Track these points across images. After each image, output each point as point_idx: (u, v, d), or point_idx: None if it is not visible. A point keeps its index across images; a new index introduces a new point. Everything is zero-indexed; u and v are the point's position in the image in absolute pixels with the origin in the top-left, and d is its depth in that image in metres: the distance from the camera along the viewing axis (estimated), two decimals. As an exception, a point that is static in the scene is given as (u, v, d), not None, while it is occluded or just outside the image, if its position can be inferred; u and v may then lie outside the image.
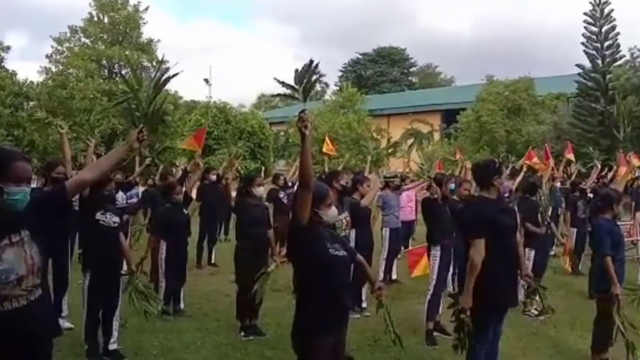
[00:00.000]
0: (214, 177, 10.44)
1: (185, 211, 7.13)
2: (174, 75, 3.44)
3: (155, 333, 6.24)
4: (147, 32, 35.26)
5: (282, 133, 37.57)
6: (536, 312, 7.12)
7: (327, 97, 45.00)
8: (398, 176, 10.13)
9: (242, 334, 6.23)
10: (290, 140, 34.60)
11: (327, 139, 12.57)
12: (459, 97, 35.40)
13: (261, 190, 6.48)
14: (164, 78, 3.37)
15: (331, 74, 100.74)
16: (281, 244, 6.48)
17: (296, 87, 3.36)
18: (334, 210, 3.57)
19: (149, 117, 3.17)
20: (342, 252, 3.57)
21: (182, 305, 7.08)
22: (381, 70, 59.57)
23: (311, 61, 3.36)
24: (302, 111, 3.20)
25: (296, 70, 3.38)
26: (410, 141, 37.79)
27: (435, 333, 6.21)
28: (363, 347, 5.97)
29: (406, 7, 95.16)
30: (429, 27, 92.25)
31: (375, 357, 5.76)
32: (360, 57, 60.99)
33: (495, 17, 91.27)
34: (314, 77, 3.45)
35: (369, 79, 58.78)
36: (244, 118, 28.23)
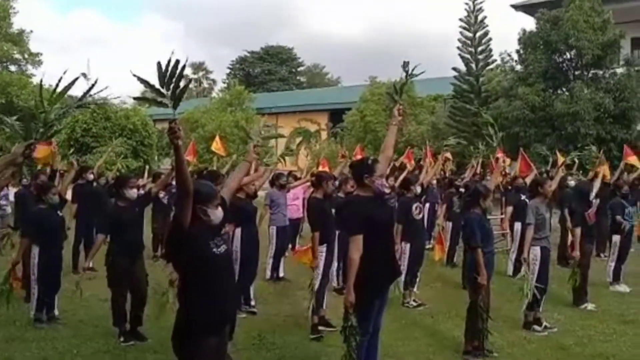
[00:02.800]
0: (90, 177, 9.94)
1: (59, 213, 6.74)
2: (74, 81, 3.19)
3: (27, 342, 5.87)
4: (19, 22, 32.90)
5: (167, 130, 36.47)
6: (415, 304, 7.47)
7: (214, 94, 44.32)
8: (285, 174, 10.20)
9: (122, 339, 6.00)
10: (174, 139, 33.63)
11: (217, 137, 12.39)
12: (345, 97, 36.20)
13: (134, 193, 6.21)
14: (63, 87, 3.10)
15: (219, 71, 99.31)
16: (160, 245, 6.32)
17: (161, 90, 3.10)
18: (220, 210, 3.53)
19: (45, 130, 2.91)
20: (225, 251, 3.54)
21: (56, 312, 6.70)
22: (269, 69, 59.63)
23: (177, 61, 3.08)
24: (172, 121, 3.10)
25: (159, 65, 3.08)
26: (298, 140, 38.19)
27: (320, 327, 6.31)
28: (249, 347, 5.96)
29: (294, 8, 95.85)
30: (316, 28, 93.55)
31: (261, 355, 5.77)
32: (248, 55, 60.68)
33: (379, 21, 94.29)
34: (183, 82, 3.17)
35: (257, 77, 58.67)
36: (125, 115, 27.06)
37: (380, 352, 4.87)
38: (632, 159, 10.11)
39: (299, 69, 64.72)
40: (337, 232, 6.78)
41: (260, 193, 8.46)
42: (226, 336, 3.72)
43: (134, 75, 3.25)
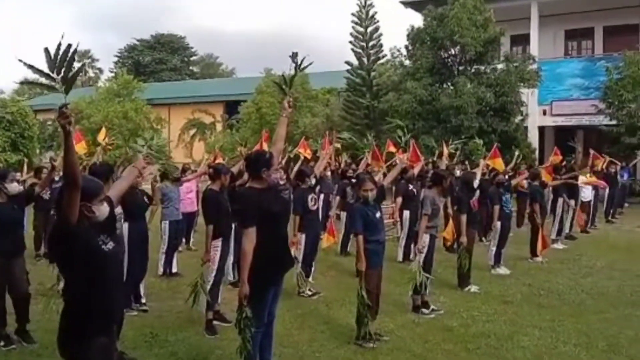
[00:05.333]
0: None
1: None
2: None
3: None
4: None
5: (49, 122, 34.45)
6: (310, 293, 7.58)
7: (101, 84, 42.29)
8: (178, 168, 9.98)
9: (2, 344, 5.62)
10: (59, 129, 31.87)
11: (103, 129, 11.85)
12: (240, 89, 35.87)
13: (15, 187, 5.80)
14: None
15: (106, 60, 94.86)
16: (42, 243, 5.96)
17: (51, 74, 2.90)
18: (106, 206, 3.37)
19: None
20: (114, 248, 3.40)
21: None
22: (160, 58, 57.83)
23: (69, 45, 2.90)
24: (64, 105, 2.90)
25: (46, 51, 2.90)
26: (192, 132, 37.41)
27: (215, 322, 6.25)
28: (140, 344, 5.78)
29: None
30: (210, 17, 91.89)
31: (153, 353, 5.62)
32: (137, 43, 58.47)
33: (274, 12, 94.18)
34: (76, 65, 2.99)
35: (147, 66, 56.69)
36: (2, 105, 25.23)
37: (275, 342, 4.91)
38: (497, 162, 10.45)
39: (191, 59, 63.31)
40: (233, 226, 6.76)
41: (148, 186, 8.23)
42: (114, 335, 3.58)
43: (20, 61, 3.02)
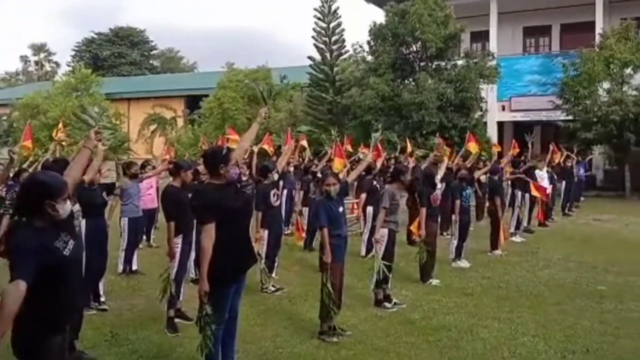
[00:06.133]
0: None
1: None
2: None
3: None
4: None
5: (4, 117, 33.48)
6: (273, 289, 7.56)
7: (57, 78, 41.26)
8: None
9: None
10: (14, 124, 31.03)
11: (60, 124, 11.53)
12: (202, 83, 35.51)
13: None
14: None
15: (63, 53, 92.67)
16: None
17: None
18: (69, 204, 3.28)
19: None
20: (75, 248, 3.31)
21: None
22: (120, 52, 56.77)
23: None
24: None
25: None
26: (153, 127, 36.87)
27: (177, 320, 6.17)
28: (100, 344, 5.68)
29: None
30: (170, 10, 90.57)
31: (113, 352, 5.52)
32: (96, 36, 57.22)
33: (236, 6, 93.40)
34: None
35: (106, 60, 55.54)
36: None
37: (237, 338, 4.87)
38: (472, 145, 11.05)
39: (152, 53, 62.33)
40: (195, 222, 6.69)
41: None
42: (67, 333, 3.51)
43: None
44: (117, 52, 56.40)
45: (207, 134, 22.79)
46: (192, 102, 35.27)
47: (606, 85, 21.00)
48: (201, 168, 6.97)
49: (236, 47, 59.42)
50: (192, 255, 7.56)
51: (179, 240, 6.23)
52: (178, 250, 6.22)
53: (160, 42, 70.51)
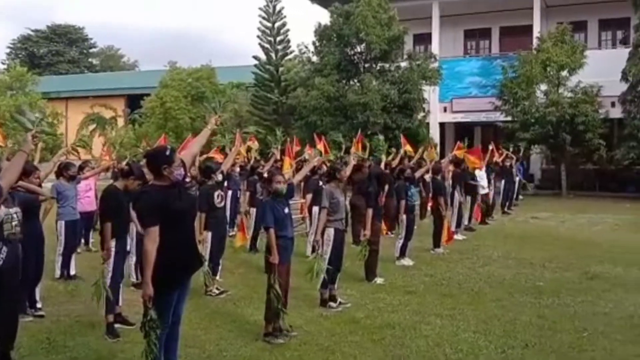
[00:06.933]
0: None
1: None
2: None
3: None
4: None
5: None
6: (217, 292, 7.45)
7: (-9, 76, 39.58)
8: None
9: None
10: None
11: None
12: (144, 82, 34.78)
13: None
14: None
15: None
16: None
17: None
18: (4, 208, 3.12)
19: None
20: (10, 255, 3.15)
21: None
22: (57, 50, 55.07)
23: None
24: None
25: None
26: (92, 127, 35.84)
27: (117, 325, 6.00)
28: (36, 351, 5.45)
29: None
30: (110, 8, 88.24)
31: (50, 359, 5.31)
32: (32, 33, 55.21)
33: (178, 4, 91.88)
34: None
35: (43, 58, 53.75)
36: None
37: (181, 343, 4.77)
38: (408, 147, 11.42)
39: (91, 51, 60.63)
40: (134, 225, 6.53)
41: (47, 184, 7.77)
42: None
43: None
44: (54, 50, 54.70)
45: (148, 134, 22.30)
46: (133, 101, 34.52)
47: (543, 87, 21.79)
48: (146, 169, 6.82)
49: (179, 45, 58.61)
50: (133, 259, 7.42)
51: (112, 244, 6.04)
52: (113, 254, 6.03)
53: (99, 39, 68.87)
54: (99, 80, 42.08)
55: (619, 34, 26.10)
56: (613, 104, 21.63)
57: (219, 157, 11.78)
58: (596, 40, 26.15)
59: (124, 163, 8.49)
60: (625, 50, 21.50)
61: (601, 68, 20.86)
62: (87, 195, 9.73)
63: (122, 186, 6.22)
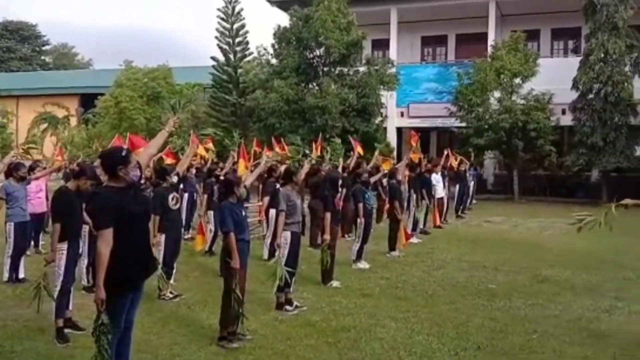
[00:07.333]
0: None
1: None
2: None
3: None
4: None
5: None
6: (171, 296, 7.34)
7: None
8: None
9: None
10: None
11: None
12: (98, 81, 34.06)
13: None
14: None
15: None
16: None
17: None
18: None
19: None
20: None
21: None
22: (8, 46, 53.53)
23: None
24: None
25: None
26: (43, 126, 34.88)
27: (67, 330, 5.85)
28: (-20, 358, 5.27)
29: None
30: (64, 6, 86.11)
31: (-6, 366, 5.15)
32: (-18, 29, 53.45)
33: (134, 2, 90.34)
34: None
35: (-7, 54, 52.02)
36: None
37: (133, 348, 4.68)
38: (359, 149, 11.69)
39: (44, 48, 59.03)
40: (86, 228, 6.39)
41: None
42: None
43: None
44: (5, 47, 53.17)
45: (102, 134, 21.85)
46: (87, 100, 33.75)
47: (497, 94, 22.27)
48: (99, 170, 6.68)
49: (135, 45, 57.60)
50: (85, 261, 7.25)
51: (64, 246, 5.89)
52: (64, 257, 5.88)
53: (53, 37, 67.05)
54: (51, 79, 40.98)
55: (571, 44, 26.94)
56: (564, 112, 22.25)
57: (170, 159, 11.64)
58: (549, 49, 26.91)
59: (74, 164, 8.31)
60: (576, 59, 22.13)
61: (553, 76, 21.46)
62: (37, 197, 9.47)
63: (74, 187, 6.08)
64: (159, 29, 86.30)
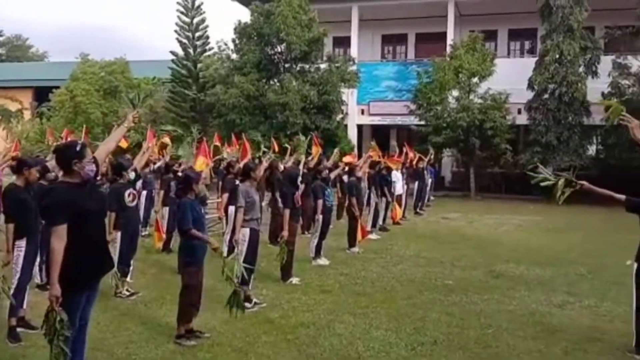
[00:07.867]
0: None
1: None
2: None
3: None
4: None
5: None
6: (127, 293, 7.22)
7: None
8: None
9: None
10: None
11: None
12: (53, 74, 33.19)
13: None
14: None
15: None
16: None
17: None
18: None
19: None
20: None
21: None
22: (-43, 36, 51.44)
23: None
24: None
25: None
26: (-5, 120, 33.76)
27: (19, 329, 5.69)
28: None
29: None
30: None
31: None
32: None
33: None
34: None
35: (-60, 44, 50.05)
36: None
37: (88, 346, 4.59)
38: (316, 148, 11.81)
39: (-4, 40, 57.07)
40: (41, 224, 6.22)
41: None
42: None
43: None
44: (-47, 36, 51.11)
45: (57, 128, 21.30)
46: (41, 93, 32.86)
47: (455, 93, 22.61)
48: (52, 164, 6.50)
49: (92, 38, 56.29)
50: (38, 259, 7.05)
51: (22, 244, 5.75)
52: (21, 254, 5.73)
53: (6, 28, 64.95)
54: (4, 71, 39.75)
55: (527, 44, 27.58)
56: (519, 111, 22.74)
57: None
58: (505, 49, 27.47)
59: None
60: (532, 60, 22.67)
61: (509, 76, 21.89)
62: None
63: (23, 182, 5.91)
64: (116, 22, 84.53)
